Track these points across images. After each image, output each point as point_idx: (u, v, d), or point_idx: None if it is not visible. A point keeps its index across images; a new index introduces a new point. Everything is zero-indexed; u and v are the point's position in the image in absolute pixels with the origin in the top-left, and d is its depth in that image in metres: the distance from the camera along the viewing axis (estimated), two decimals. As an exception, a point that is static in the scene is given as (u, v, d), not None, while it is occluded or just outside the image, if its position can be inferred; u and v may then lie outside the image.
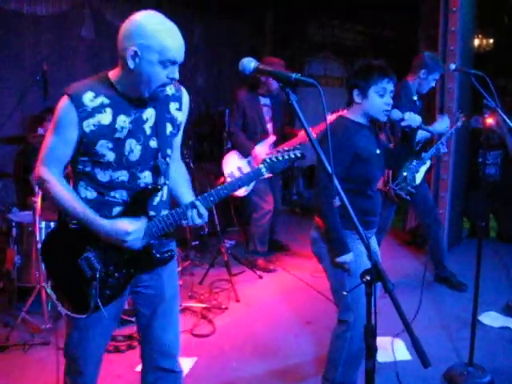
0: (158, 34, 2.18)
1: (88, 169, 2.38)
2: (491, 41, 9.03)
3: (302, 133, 5.31)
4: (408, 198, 4.70)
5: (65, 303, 2.56)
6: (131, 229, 2.37)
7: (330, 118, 5.19)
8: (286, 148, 2.52)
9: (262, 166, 2.47)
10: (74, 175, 2.46)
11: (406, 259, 5.93)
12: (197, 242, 6.28)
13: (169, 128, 2.49)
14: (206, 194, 2.44)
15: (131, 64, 2.21)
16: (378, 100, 3.08)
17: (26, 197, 4.53)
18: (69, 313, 2.51)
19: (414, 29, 7.26)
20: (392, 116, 3.09)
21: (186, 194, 2.59)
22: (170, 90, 2.47)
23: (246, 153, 5.65)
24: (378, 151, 3.22)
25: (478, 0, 6.27)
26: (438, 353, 3.99)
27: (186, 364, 3.95)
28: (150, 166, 2.45)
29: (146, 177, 2.46)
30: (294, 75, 1.89)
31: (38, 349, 4.04)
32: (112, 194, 2.42)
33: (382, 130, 4.39)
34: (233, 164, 5.66)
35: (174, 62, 2.24)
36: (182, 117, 2.56)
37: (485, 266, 3.93)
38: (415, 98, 4.97)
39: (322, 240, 3.24)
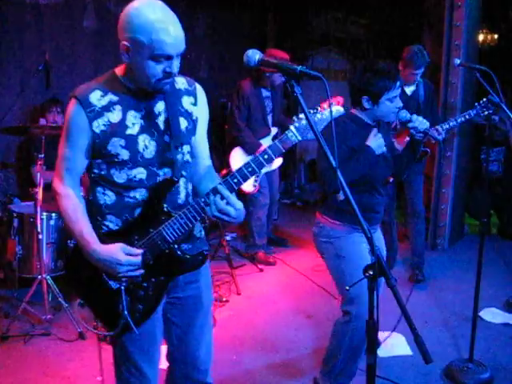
0: (148, 27, 2.03)
1: (104, 172, 2.26)
2: (496, 36, 8.99)
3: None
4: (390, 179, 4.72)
5: (97, 321, 2.43)
6: (124, 259, 2.19)
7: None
8: (318, 108, 2.21)
9: (289, 131, 2.18)
10: (91, 181, 2.34)
11: (403, 253, 5.89)
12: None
13: (183, 123, 2.33)
14: (227, 177, 2.17)
15: (125, 58, 2.13)
16: (390, 105, 3.06)
17: (28, 188, 4.51)
18: (99, 332, 2.40)
19: (418, 23, 7.23)
20: (399, 116, 3.06)
21: None
22: (182, 85, 2.37)
23: (251, 151, 5.63)
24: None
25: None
26: (438, 348, 4.00)
27: (186, 356, 3.96)
28: (168, 161, 2.29)
29: (166, 173, 2.29)
30: (299, 68, 1.87)
31: (38, 339, 4.05)
32: (132, 194, 2.27)
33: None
34: (240, 159, 5.69)
35: (168, 57, 2.09)
36: (198, 112, 2.40)
37: (486, 262, 3.92)
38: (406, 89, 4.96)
39: (321, 235, 3.28)
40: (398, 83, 3.03)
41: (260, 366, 3.92)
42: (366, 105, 3.08)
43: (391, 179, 4.66)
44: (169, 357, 2.59)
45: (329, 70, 8.73)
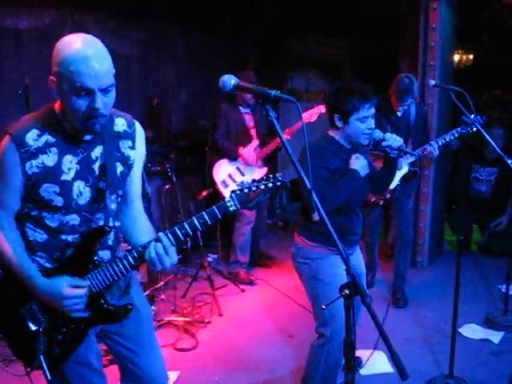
0: (68, 58, 1.96)
1: (34, 213, 2.19)
2: (471, 56, 9.15)
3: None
4: (381, 202, 4.72)
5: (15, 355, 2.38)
6: (69, 293, 2.14)
7: (309, 113, 5.25)
8: (265, 177, 2.18)
9: (228, 199, 2.15)
10: (20, 216, 2.23)
11: (383, 272, 5.92)
12: (180, 256, 6.25)
13: (119, 168, 2.28)
14: (174, 227, 2.17)
15: (54, 93, 2.06)
16: (360, 126, 3.10)
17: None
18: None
19: (395, 45, 7.34)
20: (373, 136, 3.12)
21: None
22: (122, 126, 2.29)
23: (232, 156, 5.75)
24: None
25: (458, 16, 6.37)
26: (418, 365, 4.03)
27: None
28: (102, 207, 2.25)
29: (99, 218, 2.27)
30: (273, 92, 1.90)
31: (19, 364, 3.99)
32: (63, 237, 2.22)
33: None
34: (223, 172, 5.76)
35: (89, 90, 1.97)
36: (135, 155, 2.35)
37: (465, 279, 3.98)
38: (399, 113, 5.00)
39: (298, 256, 3.32)
40: (369, 105, 3.09)
41: (242, 386, 3.93)
42: (338, 123, 3.15)
43: (381, 201, 4.71)
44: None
45: (308, 91, 8.82)
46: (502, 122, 6.92)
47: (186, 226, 2.14)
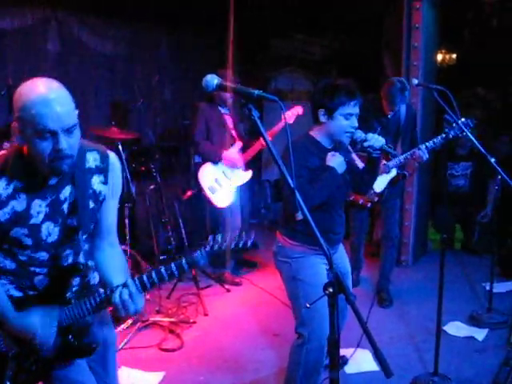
0: (29, 102, 1.95)
1: (6, 246, 2.19)
2: (454, 55, 9.19)
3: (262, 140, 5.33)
4: (368, 204, 4.73)
5: None
6: (40, 330, 2.19)
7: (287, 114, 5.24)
8: (237, 237, 2.29)
9: (198, 253, 2.18)
10: None
11: (368, 271, 5.95)
12: (164, 257, 6.23)
13: (91, 204, 2.27)
14: (136, 277, 2.22)
15: (17, 139, 2.05)
16: (344, 122, 3.10)
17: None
18: None
19: (378, 43, 7.36)
20: (354, 136, 3.13)
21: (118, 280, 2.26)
22: (93, 162, 2.26)
23: (215, 158, 5.62)
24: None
25: (441, 16, 6.40)
26: (403, 363, 4.06)
27: (153, 379, 3.94)
28: (71, 245, 2.27)
29: (68, 254, 2.29)
30: (256, 92, 1.90)
31: None
32: (32, 269, 2.24)
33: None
34: (210, 177, 5.64)
35: (52, 132, 1.96)
36: (107, 190, 2.32)
37: (449, 277, 4.00)
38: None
39: (279, 255, 3.33)
40: (354, 102, 3.09)
41: (228, 386, 3.93)
42: (322, 118, 3.14)
43: (369, 204, 4.72)
44: None
45: (292, 91, 8.79)
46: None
47: (154, 275, 2.19)
